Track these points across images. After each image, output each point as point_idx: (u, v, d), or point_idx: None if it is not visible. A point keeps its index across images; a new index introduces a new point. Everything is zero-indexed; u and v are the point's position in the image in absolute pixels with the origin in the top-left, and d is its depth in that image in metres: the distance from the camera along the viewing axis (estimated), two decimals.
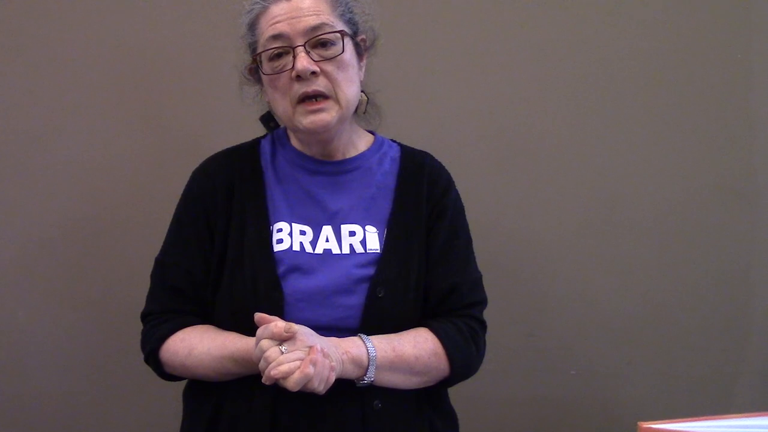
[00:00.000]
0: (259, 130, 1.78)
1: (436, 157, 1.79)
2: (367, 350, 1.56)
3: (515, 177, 2.25)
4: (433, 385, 1.67)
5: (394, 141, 1.79)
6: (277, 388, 1.50)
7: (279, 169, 1.71)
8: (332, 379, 1.50)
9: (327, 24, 1.61)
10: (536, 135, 2.25)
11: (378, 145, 1.76)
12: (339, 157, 1.71)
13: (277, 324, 1.49)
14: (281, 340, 1.49)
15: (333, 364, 1.50)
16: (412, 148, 1.78)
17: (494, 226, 2.17)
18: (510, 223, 2.24)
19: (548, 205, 2.26)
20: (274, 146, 1.74)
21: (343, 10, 1.65)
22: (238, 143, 1.78)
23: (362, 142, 1.75)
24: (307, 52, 1.60)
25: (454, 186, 1.76)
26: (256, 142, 1.76)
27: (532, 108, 2.25)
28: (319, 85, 1.61)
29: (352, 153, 1.72)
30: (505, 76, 2.24)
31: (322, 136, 1.66)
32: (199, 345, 1.62)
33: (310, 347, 1.48)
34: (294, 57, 1.60)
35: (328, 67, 1.61)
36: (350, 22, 1.66)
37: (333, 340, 1.55)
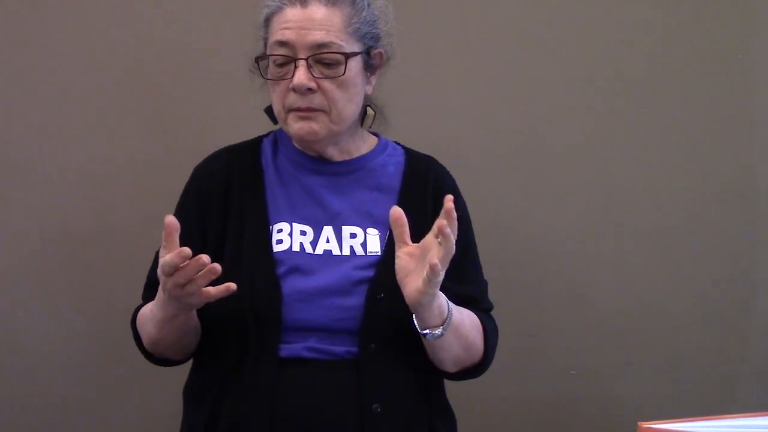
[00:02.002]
0: (261, 130, 1.78)
1: (437, 157, 1.78)
2: (448, 306, 1.55)
3: (515, 177, 2.25)
4: (454, 374, 1.67)
5: (398, 144, 1.79)
6: (276, 392, 1.51)
7: (280, 168, 1.70)
8: None
9: (334, 43, 1.60)
10: (533, 135, 2.25)
11: (382, 147, 1.75)
12: (341, 158, 1.70)
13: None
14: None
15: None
16: (417, 152, 1.78)
17: (494, 226, 2.17)
18: (510, 224, 2.24)
19: (548, 205, 2.26)
20: (276, 145, 1.73)
21: (359, 26, 1.63)
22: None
23: (365, 144, 1.74)
24: (309, 66, 1.59)
25: (459, 193, 1.76)
26: (257, 141, 1.76)
27: (531, 108, 2.25)
28: (313, 101, 1.61)
29: (355, 154, 1.72)
30: (505, 77, 2.24)
31: (312, 144, 1.66)
32: (147, 305, 1.63)
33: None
34: (295, 68, 1.60)
35: (327, 84, 1.60)
36: (365, 36, 1.64)
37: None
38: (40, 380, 2.17)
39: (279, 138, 1.74)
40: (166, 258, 1.44)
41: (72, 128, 2.18)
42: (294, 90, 1.60)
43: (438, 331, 1.55)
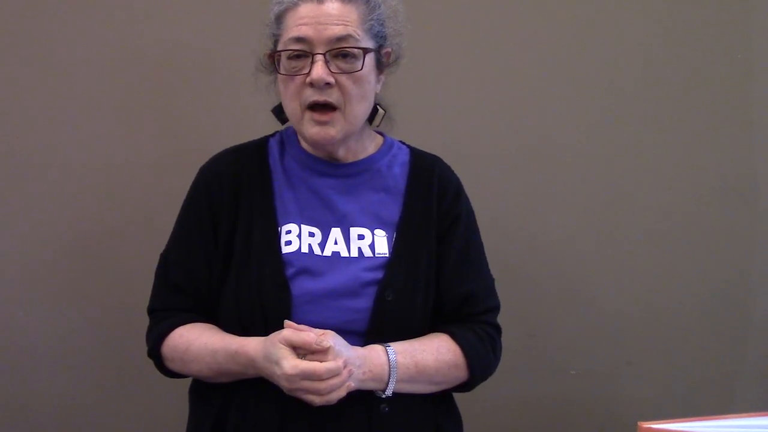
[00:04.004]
0: (267, 131, 1.78)
1: (441, 157, 1.78)
2: (389, 368, 1.57)
3: (515, 178, 2.25)
4: (449, 389, 1.69)
5: (403, 143, 1.79)
6: (285, 393, 1.52)
7: (288, 170, 1.70)
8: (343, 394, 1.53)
9: (352, 37, 1.59)
10: (534, 135, 2.25)
11: (387, 147, 1.75)
12: (348, 159, 1.70)
13: (310, 334, 1.50)
14: (310, 351, 1.50)
15: (351, 384, 1.52)
16: (422, 151, 1.78)
17: (494, 226, 2.16)
18: (510, 224, 2.24)
19: (548, 205, 2.26)
20: (283, 146, 1.73)
21: (373, 23, 1.63)
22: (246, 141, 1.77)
23: (372, 144, 1.74)
24: (326, 62, 1.59)
25: (464, 191, 1.76)
26: (264, 141, 1.75)
27: (533, 109, 2.25)
28: (331, 96, 1.60)
29: (362, 155, 1.71)
30: (508, 78, 2.24)
31: (327, 147, 1.67)
32: (196, 340, 1.62)
33: (345, 366, 1.50)
34: (312, 63, 1.59)
35: (344, 80, 1.60)
36: (378, 35, 1.64)
37: (360, 354, 1.56)
38: (40, 380, 2.17)
39: (286, 139, 1.74)
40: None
41: (73, 129, 2.18)
42: (311, 85, 1.59)
43: (383, 395, 1.59)
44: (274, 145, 1.73)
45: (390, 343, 1.60)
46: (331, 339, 1.52)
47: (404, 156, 1.75)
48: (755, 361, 2.29)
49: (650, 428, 1.23)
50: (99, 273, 2.18)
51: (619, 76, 2.25)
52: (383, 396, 1.59)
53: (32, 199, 2.17)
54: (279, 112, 1.72)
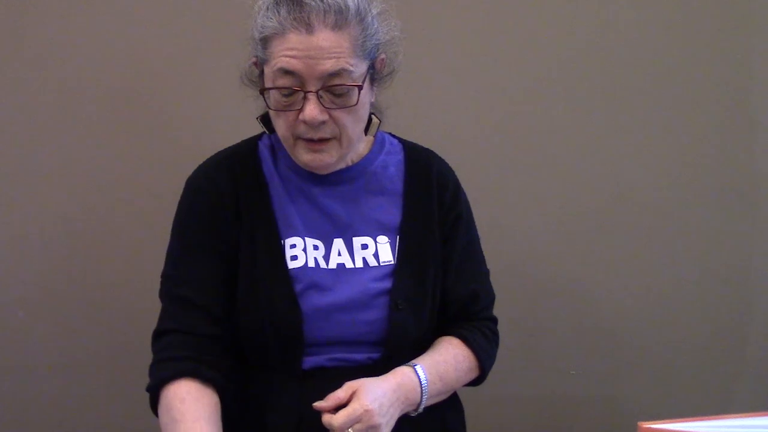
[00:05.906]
0: (257, 130, 1.77)
1: (437, 152, 1.76)
2: (421, 389, 1.57)
3: (516, 176, 2.25)
4: None
5: (394, 136, 1.75)
6: (300, 402, 1.52)
7: (284, 178, 1.64)
8: None
9: (345, 70, 1.49)
10: (535, 134, 2.25)
11: (379, 144, 1.70)
12: (343, 165, 1.64)
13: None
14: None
15: None
16: (414, 145, 1.74)
17: (494, 225, 2.17)
18: (510, 223, 2.24)
19: (549, 204, 2.26)
20: (274, 151, 1.67)
21: (366, 43, 1.53)
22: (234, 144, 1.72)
23: (363, 144, 1.69)
24: (319, 97, 1.50)
25: (461, 187, 1.74)
26: (254, 146, 1.68)
27: (533, 108, 2.25)
28: (326, 131, 1.53)
29: (355, 159, 1.66)
30: (507, 77, 2.24)
31: (321, 171, 1.61)
32: (181, 423, 1.48)
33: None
34: (304, 100, 1.50)
35: (339, 113, 1.52)
36: (372, 50, 1.55)
37: (392, 386, 1.54)
38: (40, 380, 2.17)
39: (276, 144, 1.66)
40: None
41: (72, 129, 2.18)
42: (305, 122, 1.52)
43: (414, 414, 1.59)
44: (265, 151, 1.66)
45: (415, 362, 1.59)
46: (365, 396, 1.48)
47: (398, 154, 1.71)
48: (755, 361, 2.29)
49: (650, 428, 1.23)
50: (99, 273, 2.18)
51: (618, 76, 2.25)
52: (414, 415, 1.58)
53: (32, 199, 2.17)
54: (266, 121, 1.64)
